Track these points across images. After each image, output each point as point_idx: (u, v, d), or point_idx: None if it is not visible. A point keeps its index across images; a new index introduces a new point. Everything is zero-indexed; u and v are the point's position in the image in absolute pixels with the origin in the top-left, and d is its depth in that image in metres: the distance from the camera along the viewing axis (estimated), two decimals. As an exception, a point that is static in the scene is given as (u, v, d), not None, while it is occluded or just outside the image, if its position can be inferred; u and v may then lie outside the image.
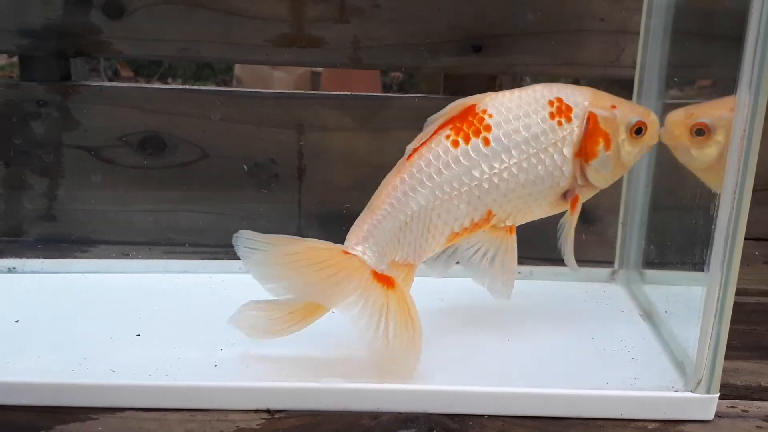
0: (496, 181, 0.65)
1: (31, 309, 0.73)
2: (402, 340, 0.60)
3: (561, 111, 0.66)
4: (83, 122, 0.90)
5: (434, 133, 0.65)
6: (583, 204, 0.70)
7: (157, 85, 1.05)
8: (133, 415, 0.59)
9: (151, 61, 2.33)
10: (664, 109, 0.76)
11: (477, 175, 0.65)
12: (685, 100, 0.74)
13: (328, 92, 0.96)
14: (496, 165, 0.65)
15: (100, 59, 1.74)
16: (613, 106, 0.67)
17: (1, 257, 0.83)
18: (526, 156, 0.65)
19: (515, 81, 1.17)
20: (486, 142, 0.65)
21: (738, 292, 0.86)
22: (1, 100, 0.89)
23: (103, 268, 0.82)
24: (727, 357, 0.70)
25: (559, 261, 0.71)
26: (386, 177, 0.65)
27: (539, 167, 0.66)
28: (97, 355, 0.64)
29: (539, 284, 0.83)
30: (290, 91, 0.94)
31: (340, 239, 0.63)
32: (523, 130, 0.65)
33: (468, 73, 0.90)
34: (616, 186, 0.79)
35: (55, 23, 0.87)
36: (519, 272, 0.82)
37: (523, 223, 0.69)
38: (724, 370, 0.67)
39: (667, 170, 0.75)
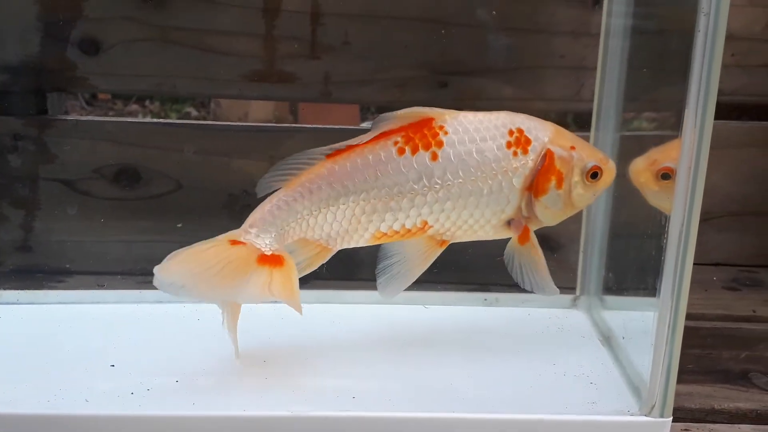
0: (436, 195, 0.67)
1: (6, 340, 0.74)
2: None
3: (519, 142, 0.68)
4: (59, 155, 0.92)
5: (382, 136, 0.67)
6: (546, 231, 0.73)
7: (131, 118, 1.08)
8: (107, 445, 0.61)
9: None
10: (621, 142, 0.79)
11: (416, 186, 0.67)
12: (643, 132, 0.78)
13: (302, 125, 0.99)
14: (440, 181, 0.67)
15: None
16: (573, 147, 0.69)
17: (-23, 289, 0.84)
18: (473, 179, 0.67)
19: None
20: (434, 156, 0.66)
21: (695, 317, 0.91)
22: (-22, 133, 0.91)
23: (77, 298, 0.83)
24: (682, 381, 0.74)
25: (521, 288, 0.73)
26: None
27: (485, 191, 0.67)
28: (72, 385, 0.66)
29: (504, 311, 0.85)
30: (264, 124, 0.96)
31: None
32: (475, 154, 0.67)
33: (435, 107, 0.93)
34: (577, 214, 0.82)
35: (33, 59, 0.89)
36: (485, 299, 0.86)
37: (462, 241, 0.70)
38: (678, 394, 0.71)
39: (624, 200, 0.78)
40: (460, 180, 0.67)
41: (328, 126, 0.96)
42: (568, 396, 0.67)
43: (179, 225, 0.90)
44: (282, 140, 0.93)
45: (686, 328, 0.86)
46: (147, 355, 0.72)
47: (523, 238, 0.70)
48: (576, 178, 0.69)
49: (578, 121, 0.86)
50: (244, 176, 0.93)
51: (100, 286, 0.86)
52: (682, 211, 0.60)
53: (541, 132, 0.69)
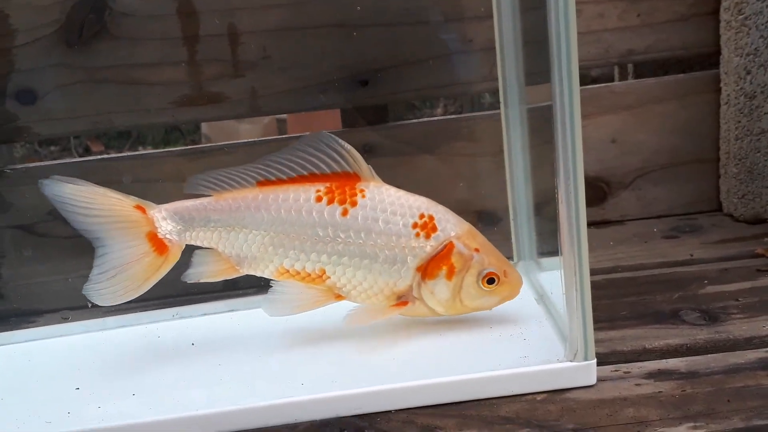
0: (336, 248, 0.73)
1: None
2: (122, 287, 0.73)
3: (425, 226, 0.74)
4: (14, 203, 0.97)
5: (310, 180, 0.74)
6: (485, 206, 0.77)
7: (71, 159, 1.12)
8: (73, 460, 0.65)
9: (119, 133, 2.41)
10: (529, 114, 0.84)
11: (320, 233, 0.73)
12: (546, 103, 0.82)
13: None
14: (342, 235, 0.73)
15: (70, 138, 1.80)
16: (477, 250, 0.74)
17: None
18: (371, 243, 0.73)
19: (407, 107, 1.24)
20: (344, 212, 0.73)
21: (634, 268, 0.95)
22: (-66, 193, 0.96)
23: (46, 334, 0.88)
24: (615, 327, 0.78)
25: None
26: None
27: (380, 258, 0.74)
28: (40, 409, 0.70)
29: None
30: (201, 146, 1.01)
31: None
32: (381, 223, 0.73)
33: (360, 105, 0.98)
34: (503, 189, 0.87)
35: (-25, 116, 0.94)
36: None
37: (356, 303, 0.76)
38: (611, 339, 0.75)
39: (540, 168, 0.82)
40: (361, 241, 0.73)
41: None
42: (502, 353, 0.71)
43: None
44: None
45: (624, 279, 0.91)
46: (111, 376, 0.76)
47: (398, 306, 0.75)
48: (471, 278, 0.74)
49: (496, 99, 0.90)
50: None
51: (65, 319, 0.90)
52: (565, 168, 0.63)
53: (451, 225, 0.75)
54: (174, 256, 0.75)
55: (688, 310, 0.80)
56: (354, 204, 0.73)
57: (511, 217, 0.89)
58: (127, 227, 0.74)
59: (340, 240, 0.73)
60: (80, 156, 1.67)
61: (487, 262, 0.74)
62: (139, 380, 0.74)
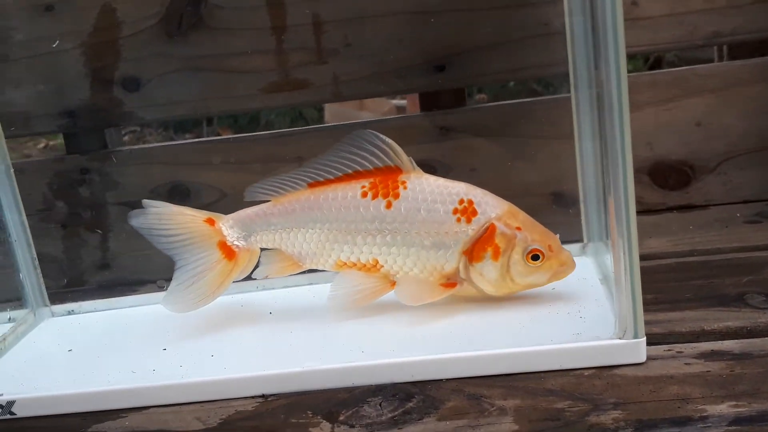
0: (385, 239, 0.78)
1: (83, 339, 0.88)
2: (198, 293, 0.81)
3: (466, 211, 0.77)
4: (120, 181, 1.06)
5: (356, 178, 0.79)
6: (559, 189, 0.82)
7: (173, 142, 1.21)
8: (155, 411, 0.73)
9: (251, 117, 2.55)
10: (598, 97, 0.84)
11: (369, 227, 0.78)
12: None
13: (325, 125, 1.09)
14: (389, 227, 0.78)
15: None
16: (519, 228, 0.77)
17: (64, 303, 0.98)
18: (416, 232, 0.78)
19: (481, 90, 1.26)
20: (389, 205, 0.78)
21: (711, 252, 0.94)
22: (52, 172, 1.07)
23: (144, 301, 0.96)
24: (677, 308, 0.78)
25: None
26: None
27: (426, 245, 0.78)
28: (130, 366, 0.78)
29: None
30: (289, 129, 1.07)
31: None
32: (423, 212, 0.77)
33: (437, 90, 1.02)
34: (573, 171, 0.88)
35: (87, 103, 1.04)
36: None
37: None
38: (671, 320, 0.76)
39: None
40: (406, 231, 0.78)
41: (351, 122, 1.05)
42: (556, 330, 0.73)
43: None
44: (307, 140, 1.04)
45: (696, 263, 0.91)
46: (192, 339, 0.83)
47: (448, 287, 0.79)
48: (516, 255, 0.77)
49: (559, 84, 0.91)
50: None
51: (161, 288, 0.98)
52: (617, 154, 0.64)
53: (491, 208, 0.78)
54: (243, 260, 0.83)
55: (754, 293, 0.79)
56: (396, 196, 0.78)
57: (581, 199, 0.90)
58: (200, 240, 0.82)
59: (387, 231, 0.78)
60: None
61: (530, 239, 0.77)
62: (218, 343, 0.81)
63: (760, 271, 0.84)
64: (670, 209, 1.07)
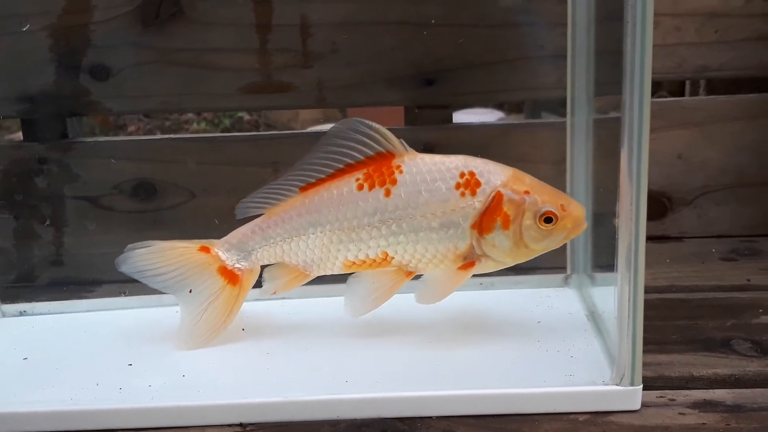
0: (390, 229, 0.74)
1: (36, 347, 0.82)
2: (209, 325, 0.77)
3: (468, 184, 0.73)
4: (82, 175, 1.00)
5: (348, 171, 0.74)
6: None
7: (142, 136, 1.16)
8: (123, 436, 0.68)
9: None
10: (595, 125, 0.83)
11: (372, 219, 0.74)
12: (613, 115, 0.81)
13: (300, 131, 1.05)
14: (392, 216, 0.73)
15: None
16: (527, 192, 0.72)
17: (14, 302, 0.92)
18: (422, 215, 0.73)
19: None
20: (387, 193, 0.73)
21: (689, 289, 0.94)
22: (8, 160, 0.99)
23: (103, 306, 0.90)
24: (664, 351, 0.77)
25: (518, 270, 0.79)
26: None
27: (434, 227, 0.73)
28: (93, 381, 0.73)
29: (499, 293, 0.90)
30: (267, 132, 1.02)
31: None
32: (424, 193, 0.73)
33: (424, 104, 0.98)
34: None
35: (50, 88, 0.97)
36: (481, 283, 0.90)
37: (430, 272, 0.76)
38: (660, 363, 0.75)
39: (603, 181, 0.81)
40: (411, 216, 0.74)
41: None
42: (547, 370, 0.71)
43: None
44: (281, 146, 0.99)
45: (677, 300, 0.90)
46: (162, 354, 0.78)
47: (466, 268, 0.75)
48: (528, 221, 0.72)
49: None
50: (250, 183, 0.99)
51: (123, 294, 0.93)
52: (630, 188, 0.63)
53: (495, 176, 0.73)
54: (248, 282, 0.78)
55: (739, 339, 0.79)
56: (394, 182, 0.73)
57: (568, 228, 0.88)
58: (199, 271, 0.77)
59: (391, 221, 0.74)
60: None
61: (540, 202, 0.72)
62: (189, 361, 0.76)
63: (742, 315, 0.84)
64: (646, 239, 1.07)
